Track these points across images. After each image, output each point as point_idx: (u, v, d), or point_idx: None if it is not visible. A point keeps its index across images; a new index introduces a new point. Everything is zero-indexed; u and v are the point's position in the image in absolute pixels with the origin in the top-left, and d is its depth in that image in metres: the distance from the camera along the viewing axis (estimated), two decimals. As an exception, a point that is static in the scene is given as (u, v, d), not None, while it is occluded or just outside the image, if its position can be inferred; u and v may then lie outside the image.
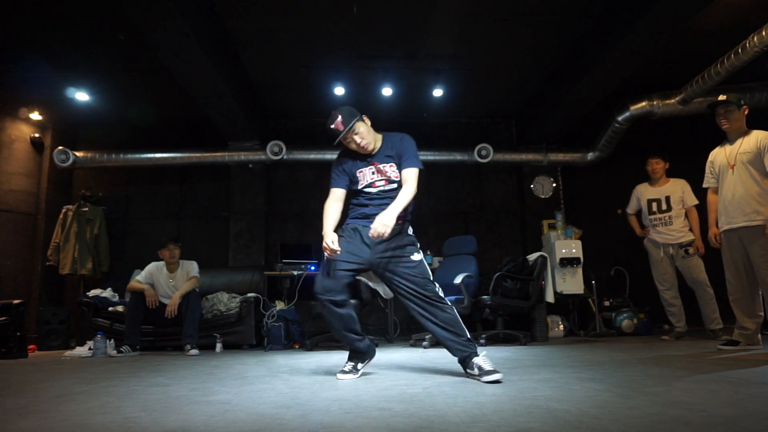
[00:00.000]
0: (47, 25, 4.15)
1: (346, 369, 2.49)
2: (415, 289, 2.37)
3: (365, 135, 2.47)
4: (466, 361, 2.31)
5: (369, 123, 2.53)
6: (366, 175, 2.51)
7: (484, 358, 2.27)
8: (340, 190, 2.55)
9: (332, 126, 2.47)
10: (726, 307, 3.49)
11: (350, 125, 2.43)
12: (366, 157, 2.52)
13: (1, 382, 2.62)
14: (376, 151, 2.52)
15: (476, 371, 2.22)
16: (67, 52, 4.58)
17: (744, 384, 1.95)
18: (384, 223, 2.25)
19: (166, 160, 5.67)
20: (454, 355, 2.36)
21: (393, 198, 2.39)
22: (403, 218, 2.44)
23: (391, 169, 2.49)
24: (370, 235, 2.28)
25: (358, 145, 2.46)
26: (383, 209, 2.34)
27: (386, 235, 2.26)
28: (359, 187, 2.52)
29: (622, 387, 1.94)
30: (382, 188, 2.49)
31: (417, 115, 6.06)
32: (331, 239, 2.35)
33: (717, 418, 1.40)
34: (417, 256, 2.43)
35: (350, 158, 2.56)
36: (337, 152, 2.71)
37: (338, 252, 2.34)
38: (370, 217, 2.39)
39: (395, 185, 2.48)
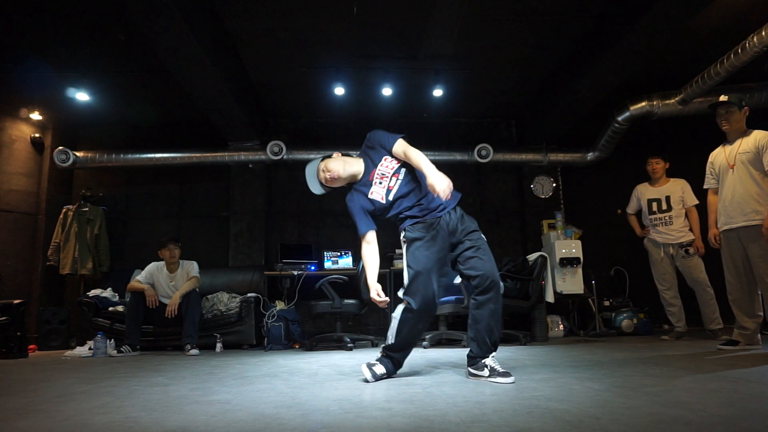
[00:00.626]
0: (47, 25, 4.15)
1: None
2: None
3: (333, 168, 2.44)
4: (476, 360, 2.30)
5: (336, 157, 2.51)
6: (378, 191, 2.44)
7: (493, 359, 2.28)
8: (371, 233, 2.46)
9: (316, 193, 2.53)
10: (726, 307, 3.50)
11: (313, 184, 2.50)
12: (364, 180, 2.48)
13: (2, 382, 2.62)
14: (361, 172, 2.49)
15: (486, 372, 2.24)
16: (67, 52, 4.58)
17: (744, 384, 1.95)
18: (439, 180, 2.17)
19: (166, 160, 5.67)
20: (477, 349, 2.31)
21: (411, 177, 2.41)
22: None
23: (387, 162, 2.45)
24: (441, 195, 2.17)
25: (336, 178, 2.44)
26: (413, 195, 2.37)
27: (450, 185, 2.19)
28: (384, 203, 2.44)
29: (622, 387, 1.94)
30: (398, 182, 2.42)
31: (417, 115, 6.06)
32: (376, 291, 2.36)
33: (717, 418, 1.40)
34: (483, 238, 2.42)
35: (356, 192, 2.50)
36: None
37: (387, 302, 2.38)
38: (422, 207, 2.38)
39: (399, 165, 2.44)
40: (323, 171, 2.46)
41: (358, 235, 2.47)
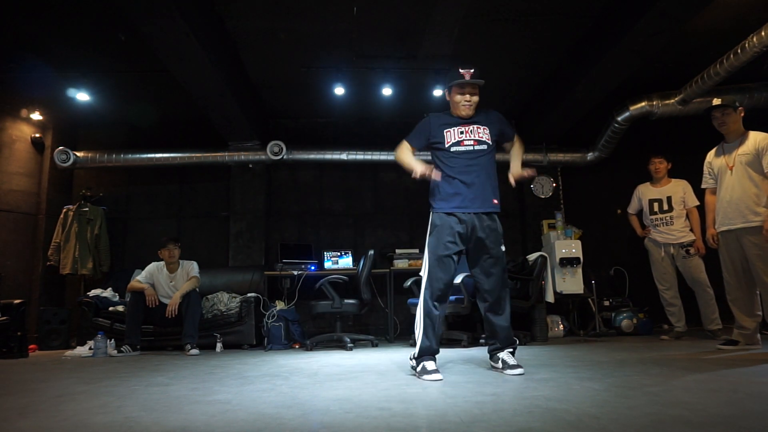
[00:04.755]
0: (47, 25, 4.15)
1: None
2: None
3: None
4: (496, 353, 2.56)
5: None
6: (454, 133, 2.62)
7: (508, 354, 2.50)
8: (412, 148, 2.71)
9: (460, 70, 2.59)
10: (725, 308, 3.50)
11: (479, 81, 2.62)
12: (459, 121, 2.65)
13: (2, 382, 2.62)
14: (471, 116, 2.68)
15: (500, 365, 2.46)
16: (67, 52, 4.58)
17: (744, 384, 1.95)
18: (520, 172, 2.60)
19: (166, 160, 5.67)
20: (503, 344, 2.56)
21: (481, 160, 2.60)
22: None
23: (484, 131, 2.63)
24: (516, 178, 2.62)
25: (469, 101, 2.62)
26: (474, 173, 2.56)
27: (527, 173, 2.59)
28: (446, 145, 2.60)
29: (622, 387, 1.95)
30: (471, 148, 2.60)
31: (417, 115, 6.02)
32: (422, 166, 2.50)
33: (716, 418, 1.40)
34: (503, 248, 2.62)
35: (441, 118, 2.71)
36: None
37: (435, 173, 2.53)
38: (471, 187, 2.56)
39: (485, 146, 2.62)
40: (473, 89, 2.66)
41: (405, 139, 2.71)
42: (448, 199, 2.55)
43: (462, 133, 2.59)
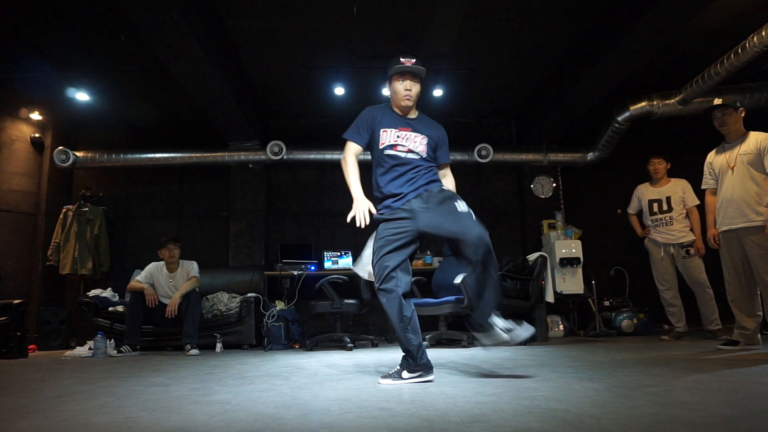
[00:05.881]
0: (47, 25, 4.15)
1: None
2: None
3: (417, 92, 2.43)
4: (485, 325, 2.25)
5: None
6: (390, 136, 2.42)
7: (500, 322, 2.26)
8: (359, 148, 2.46)
9: (401, 58, 2.40)
10: (725, 308, 3.50)
11: (420, 69, 2.39)
12: (399, 122, 2.45)
13: (1, 382, 2.62)
14: (413, 117, 2.49)
15: (499, 332, 2.22)
16: (67, 52, 4.58)
17: (744, 384, 1.95)
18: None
19: (166, 160, 5.67)
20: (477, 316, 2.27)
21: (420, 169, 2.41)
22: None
23: (421, 142, 2.43)
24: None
25: (408, 92, 2.40)
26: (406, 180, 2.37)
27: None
28: (380, 146, 2.42)
29: (622, 387, 1.94)
30: (405, 154, 2.41)
31: (417, 115, 6.05)
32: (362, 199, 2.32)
33: (717, 418, 1.40)
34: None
35: (381, 114, 2.48)
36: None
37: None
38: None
39: (418, 158, 2.42)
40: (415, 77, 2.42)
41: (344, 137, 2.46)
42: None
43: (398, 137, 2.41)
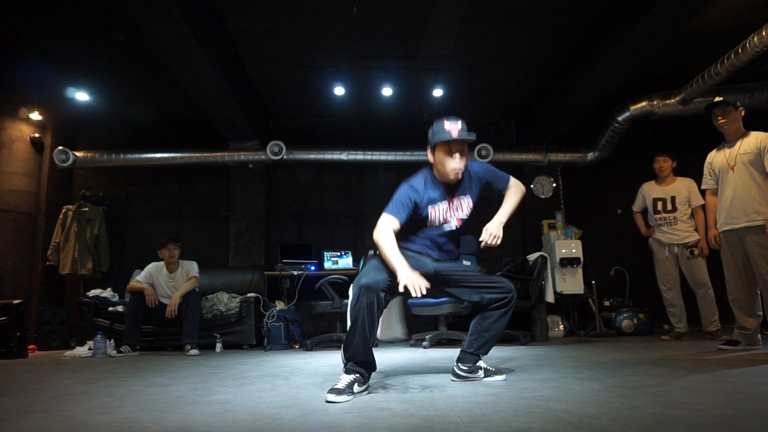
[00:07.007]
0: (47, 25, 4.15)
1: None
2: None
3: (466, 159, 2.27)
4: (472, 365, 2.31)
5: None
6: (440, 212, 2.31)
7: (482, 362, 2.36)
8: (397, 224, 2.21)
9: (446, 124, 2.19)
10: (726, 308, 3.50)
11: (468, 136, 2.19)
12: (444, 192, 2.32)
13: (1, 382, 2.62)
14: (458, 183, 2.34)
15: (481, 374, 2.29)
16: (67, 52, 4.58)
17: (744, 384, 1.95)
18: (493, 233, 2.27)
19: (166, 160, 5.67)
20: (479, 351, 2.30)
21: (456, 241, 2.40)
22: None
23: (467, 205, 2.37)
24: (482, 241, 2.27)
25: (459, 167, 2.23)
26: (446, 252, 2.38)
27: (498, 241, 2.25)
28: (429, 225, 2.31)
29: (622, 387, 1.94)
30: (453, 227, 2.33)
31: (417, 115, 6.05)
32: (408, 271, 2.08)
33: (717, 418, 1.40)
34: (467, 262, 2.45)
35: (424, 189, 2.30)
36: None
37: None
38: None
39: (463, 226, 2.37)
40: (465, 148, 2.25)
41: (386, 212, 2.22)
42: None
43: (446, 211, 2.31)
